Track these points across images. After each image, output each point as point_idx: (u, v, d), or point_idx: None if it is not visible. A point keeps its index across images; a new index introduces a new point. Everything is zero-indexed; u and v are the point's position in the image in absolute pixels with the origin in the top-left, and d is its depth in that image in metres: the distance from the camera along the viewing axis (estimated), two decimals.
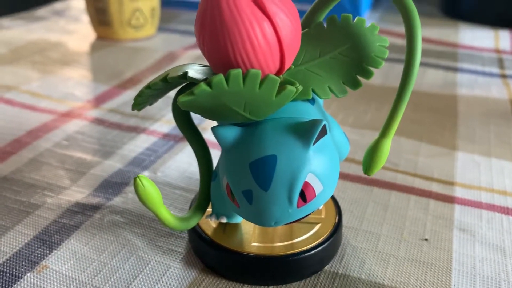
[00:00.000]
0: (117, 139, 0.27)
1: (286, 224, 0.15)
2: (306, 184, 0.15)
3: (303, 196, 0.15)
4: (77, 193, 0.22)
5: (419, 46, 0.15)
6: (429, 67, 0.39)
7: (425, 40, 0.45)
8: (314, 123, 0.15)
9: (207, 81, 0.14)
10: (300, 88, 0.15)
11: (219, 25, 0.14)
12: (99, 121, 0.29)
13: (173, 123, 0.28)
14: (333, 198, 0.20)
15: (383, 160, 0.16)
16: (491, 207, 0.22)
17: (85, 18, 0.50)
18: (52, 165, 0.24)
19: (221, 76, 0.13)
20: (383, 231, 0.20)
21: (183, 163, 0.24)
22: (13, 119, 0.29)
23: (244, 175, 0.15)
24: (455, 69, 0.38)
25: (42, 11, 0.53)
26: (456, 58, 0.41)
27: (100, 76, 0.35)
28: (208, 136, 0.23)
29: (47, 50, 0.41)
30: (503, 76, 0.37)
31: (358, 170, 0.24)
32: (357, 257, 0.18)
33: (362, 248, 0.19)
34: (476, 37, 0.46)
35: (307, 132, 0.15)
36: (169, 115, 0.29)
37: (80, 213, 0.21)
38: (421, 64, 0.39)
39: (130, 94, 0.32)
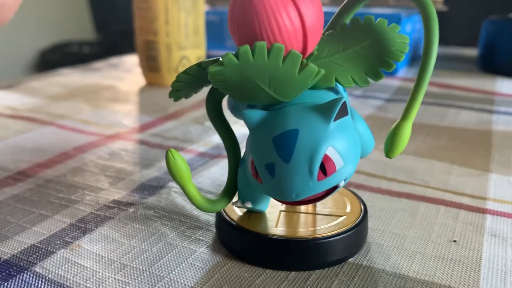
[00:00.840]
0: (157, 155, 0.28)
1: (306, 200, 0.16)
2: (326, 157, 0.15)
3: (323, 169, 0.15)
4: (115, 193, 0.23)
5: (436, 29, 0.16)
6: (463, 109, 0.39)
7: (461, 88, 0.46)
8: (335, 100, 0.16)
9: (235, 52, 0.15)
10: (323, 71, 0.16)
11: (248, 7, 0.15)
12: (142, 142, 0.30)
13: (210, 145, 0.30)
14: (358, 197, 0.20)
15: (404, 143, 0.17)
16: None
17: (137, 70, 0.54)
18: (94, 172, 0.26)
19: (247, 47, 0.15)
20: (410, 233, 0.20)
21: (216, 174, 0.25)
22: (63, 138, 0.31)
23: (268, 149, 0.16)
24: (491, 111, 0.38)
25: (98, 64, 0.57)
26: (492, 103, 0.41)
27: (146, 110, 0.38)
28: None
29: (101, 91, 0.44)
30: None
31: (388, 185, 0.24)
32: (382, 253, 0.18)
33: (388, 246, 0.19)
34: None
35: (328, 108, 0.16)
36: (207, 139, 0.31)
37: (116, 208, 0.22)
38: (455, 106, 0.40)
39: (172, 124, 0.34)
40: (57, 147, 0.29)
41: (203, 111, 0.37)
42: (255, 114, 0.17)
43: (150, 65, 0.46)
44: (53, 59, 1.69)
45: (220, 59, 0.15)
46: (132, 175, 0.25)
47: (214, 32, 0.56)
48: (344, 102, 0.16)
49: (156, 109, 0.38)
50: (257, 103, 0.17)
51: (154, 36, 0.45)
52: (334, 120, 0.16)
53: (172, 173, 0.17)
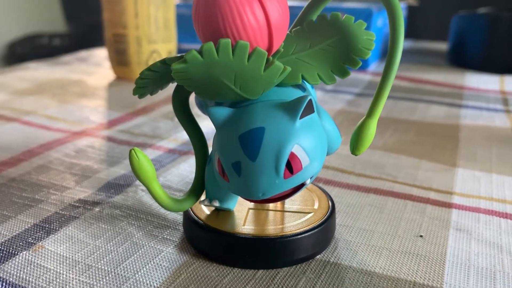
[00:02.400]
0: (124, 152, 0.28)
1: (273, 198, 0.16)
2: (293, 155, 0.15)
3: (289, 167, 0.15)
4: (81, 192, 0.23)
5: (402, 28, 0.16)
6: (432, 103, 0.39)
7: (430, 82, 0.46)
8: (301, 98, 0.15)
9: (199, 49, 0.15)
10: (289, 69, 0.16)
11: (211, 3, 0.15)
12: (109, 139, 0.30)
13: (179, 141, 0.29)
14: (326, 193, 0.20)
15: (369, 140, 0.17)
16: (489, 212, 0.21)
17: (106, 64, 0.53)
18: (59, 170, 0.25)
19: (211, 44, 0.15)
20: (377, 228, 0.20)
21: (185, 171, 0.25)
22: (28, 136, 0.30)
23: (234, 147, 0.15)
24: (460, 105, 0.39)
25: (66, 58, 0.56)
26: (461, 97, 0.42)
27: (115, 106, 0.37)
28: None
29: (68, 85, 0.43)
30: (508, 112, 0.37)
31: (356, 180, 0.24)
32: (349, 249, 0.18)
33: (355, 242, 0.19)
34: (482, 81, 0.47)
35: (294, 106, 0.15)
36: (176, 135, 0.30)
37: (81, 207, 0.21)
38: (425, 101, 0.40)
39: (141, 120, 0.34)
40: (22, 145, 0.28)
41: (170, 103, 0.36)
42: (221, 112, 0.16)
43: (119, 59, 0.45)
44: (23, 51, 1.65)
45: (185, 57, 0.15)
46: (99, 173, 0.25)
47: (185, 26, 0.55)
48: (310, 100, 0.15)
49: (124, 105, 0.37)
50: (223, 101, 0.17)
51: (123, 29, 0.44)
52: (300, 118, 0.15)
53: (136, 172, 0.16)
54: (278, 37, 0.16)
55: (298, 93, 0.17)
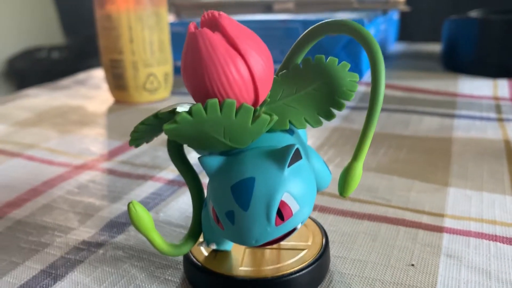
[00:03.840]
0: (125, 186, 0.28)
1: (267, 243, 0.17)
2: (283, 203, 0.16)
3: (280, 215, 0.16)
4: (84, 233, 0.23)
5: (382, 73, 0.17)
6: (425, 115, 0.40)
7: (423, 91, 0.47)
8: (288, 147, 0.16)
9: (188, 110, 0.15)
10: (275, 117, 0.17)
11: (198, 62, 0.16)
12: (110, 171, 0.31)
13: (177, 171, 0.30)
14: (320, 227, 0.21)
15: (356, 182, 0.17)
16: (479, 235, 0.22)
17: (105, 86, 0.53)
18: (63, 209, 0.26)
19: (200, 106, 0.15)
20: (370, 259, 0.21)
21: (184, 204, 0.26)
22: (32, 172, 0.31)
23: (226, 197, 0.16)
24: (453, 116, 0.40)
25: (65, 81, 0.57)
26: (454, 106, 0.42)
27: (114, 134, 0.38)
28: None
29: (68, 114, 0.44)
30: (500, 120, 0.38)
31: (350, 206, 0.25)
32: (344, 282, 0.19)
33: (349, 274, 0.20)
34: (475, 87, 0.48)
35: (281, 155, 0.16)
36: None
37: (86, 250, 0.22)
38: (418, 112, 0.41)
39: (141, 148, 0.34)
40: (26, 182, 0.29)
41: None
42: (213, 161, 0.17)
43: (117, 83, 0.46)
44: (22, 66, 1.66)
45: (175, 118, 0.15)
46: (101, 211, 0.25)
47: (180, 43, 0.56)
48: (297, 149, 0.16)
49: (124, 132, 0.38)
50: (214, 151, 0.18)
51: (119, 55, 0.45)
52: (288, 166, 0.16)
53: (135, 224, 0.17)
54: (263, 88, 0.17)
55: (286, 138, 0.18)
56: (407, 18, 0.79)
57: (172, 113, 0.17)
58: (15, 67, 1.67)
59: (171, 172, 0.30)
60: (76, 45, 1.77)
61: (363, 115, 0.40)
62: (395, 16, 0.71)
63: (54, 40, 1.81)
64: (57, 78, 0.63)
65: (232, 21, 0.16)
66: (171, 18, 0.60)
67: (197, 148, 0.18)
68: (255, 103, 0.17)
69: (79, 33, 1.76)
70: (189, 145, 0.17)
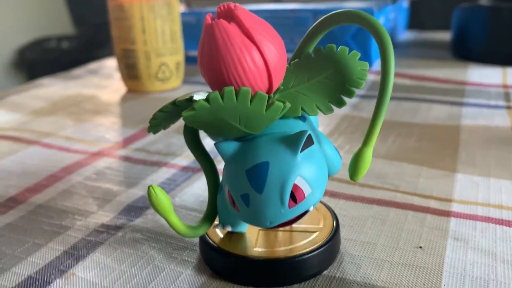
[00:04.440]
0: (141, 172, 0.29)
1: (280, 224, 0.17)
2: (296, 186, 0.17)
3: (293, 198, 0.17)
4: (103, 217, 0.24)
5: (392, 61, 0.17)
6: (434, 103, 0.41)
7: (433, 79, 0.47)
8: (300, 133, 0.17)
9: (205, 98, 0.16)
10: (289, 105, 0.17)
11: (214, 52, 0.16)
12: (126, 158, 0.32)
13: (192, 158, 0.31)
14: (331, 211, 0.22)
15: (366, 167, 0.18)
16: (486, 219, 0.23)
17: (117, 75, 0.54)
18: (82, 195, 0.27)
19: (217, 93, 0.16)
20: (379, 241, 0.21)
21: (199, 189, 0.27)
22: (50, 159, 0.32)
23: (242, 180, 0.17)
24: (461, 104, 0.40)
25: (78, 71, 0.58)
26: (463, 94, 0.43)
27: (129, 122, 0.39)
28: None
29: (82, 103, 0.45)
30: (509, 108, 0.38)
31: (360, 191, 0.26)
32: (353, 263, 0.20)
33: (359, 255, 0.20)
34: (485, 75, 0.48)
35: (294, 141, 0.17)
36: (188, 151, 0.32)
37: (105, 232, 0.23)
38: (427, 100, 0.41)
39: (155, 136, 0.35)
40: (45, 169, 0.30)
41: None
42: (229, 147, 0.18)
43: (130, 73, 0.47)
44: (32, 56, 1.68)
45: (193, 106, 0.16)
46: (118, 196, 0.26)
47: (191, 33, 0.57)
48: (309, 135, 0.17)
49: (138, 120, 0.39)
50: (230, 137, 0.18)
51: (131, 45, 0.45)
52: (301, 151, 0.17)
53: (154, 207, 0.18)
54: (277, 77, 0.17)
55: (298, 124, 0.19)
56: (416, 6, 0.79)
57: (189, 100, 0.18)
58: (25, 57, 1.68)
59: (185, 158, 0.31)
60: (85, 34, 1.78)
61: (372, 103, 0.40)
62: (404, 4, 0.71)
63: (64, 30, 1.82)
64: (66, 67, 0.64)
65: (247, 12, 0.17)
66: (181, 8, 0.61)
67: (213, 134, 0.18)
68: (269, 91, 0.17)
69: (88, 23, 1.77)
70: (205, 131, 0.18)
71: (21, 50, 1.68)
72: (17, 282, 0.20)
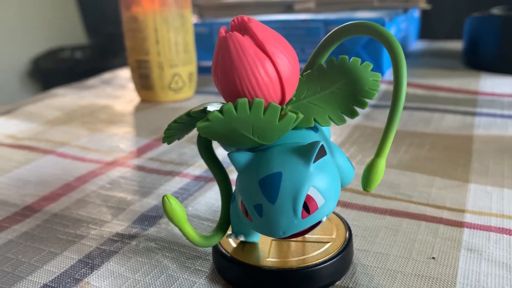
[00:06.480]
0: (154, 182, 0.30)
1: (293, 235, 0.17)
2: (309, 197, 0.17)
3: (306, 208, 0.17)
4: (117, 226, 0.25)
5: (404, 72, 0.17)
6: (447, 113, 0.40)
7: (445, 89, 0.47)
8: (313, 144, 0.17)
9: (219, 109, 0.16)
10: (301, 115, 0.18)
11: (228, 64, 0.17)
12: (139, 168, 0.32)
13: (204, 167, 0.31)
14: (344, 221, 0.22)
15: (379, 177, 0.18)
16: (500, 230, 0.23)
17: (131, 85, 0.55)
18: (96, 204, 0.27)
19: (230, 105, 0.16)
20: (392, 252, 0.21)
21: (211, 199, 0.27)
22: (65, 168, 0.32)
23: (255, 191, 0.17)
24: (474, 114, 0.40)
25: (92, 81, 0.59)
26: (476, 104, 0.42)
27: (142, 132, 0.39)
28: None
29: (96, 112, 0.46)
30: None
31: (372, 202, 0.26)
32: (366, 274, 0.20)
33: (372, 266, 0.20)
34: (497, 85, 0.48)
35: (307, 151, 0.17)
36: (201, 161, 0.32)
37: (119, 241, 0.23)
38: (439, 110, 0.41)
39: (168, 146, 0.36)
40: (60, 178, 0.31)
41: (196, 130, 0.38)
42: (242, 157, 0.18)
43: (143, 83, 0.47)
44: (46, 66, 1.70)
45: (207, 116, 0.16)
46: (132, 205, 0.27)
47: (203, 44, 0.57)
48: (322, 145, 0.17)
49: (151, 130, 0.39)
50: (243, 147, 0.19)
51: (145, 56, 0.46)
52: (314, 162, 0.17)
53: (169, 216, 0.18)
54: (290, 88, 0.18)
55: (311, 134, 0.19)
56: (428, 16, 0.79)
57: (203, 112, 0.18)
58: (40, 67, 1.71)
59: (198, 168, 0.31)
60: (98, 45, 1.80)
61: (384, 113, 0.41)
62: (416, 14, 0.71)
63: (77, 40, 1.84)
64: (80, 77, 0.65)
65: (261, 25, 0.17)
66: (194, 19, 0.61)
67: (226, 145, 0.19)
68: (281, 102, 0.18)
69: (101, 33, 1.79)
70: (219, 142, 0.18)
71: (35, 60, 1.71)
72: None
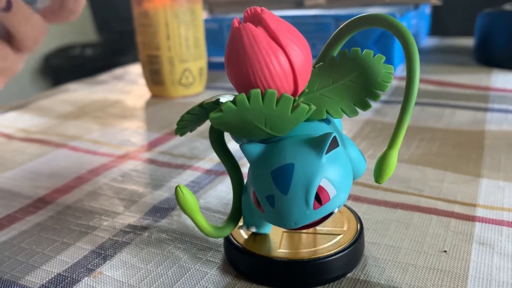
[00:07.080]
0: (166, 175, 0.30)
1: (305, 226, 0.18)
2: (321, 188, 0.17)
3: (318, 199, 0.17)
4: (129, 217, 0.25)
5: (417, 63, 0.17)
6: (458, 108, 0.40)
7: (456, 85, 0.47)
8: (326, 135, 0.17)
9: (232, 100, 0.17)
10: (313, 107, 0.18)
11: (241, 55, 0.17)
12: (151, 161, 0.32)
13: (215, 161, 0.31)
14: (355, 214, 0.22)
15: (392, 169, 0.18)
16: None
17: (141, 81, 0.55)
18: (108, 196, 0.27)
19: (243, 95, 0.16)
20: (403, 245, 0.21)
21: (222, 192, 0.27)
22: (77, 161, 0.33)
23: (267, 182, 0.17)
24: (485, 109, 0.40)
25: (103, 77, 0.59)
26: (487, 100, 0.42)
27: (153, 126, 0.40)
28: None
29: (108, 107, 0.46)
30: None
31: (383, 196, 0.26)
32: (377, 266, 0.20)
33: (383, 259, 0.20)
34: (508, 81, 0.47)
35: (320, 143, 0.17)
36: (212, 155, 0.32)
37: (131, 232, 0.23)
38: (450, 106, 0.41)
39: (179, 140, 0.36)
40: (72, 171, 0.31)
41: (207, 124, 0.39)
42: (254, 148, 0.18)
43: (154, 79, 0.48)
44: (57, 63, 1.72)
45: (220, 107, 0.17)
46: (144, 197, 0.27)
47: (214, 39, 0.57)
48: (334, 137, 0.17)
49: (162, 124, 0.40)
50: (255, 139, 0.19)
51: (156, 51, 0.46)
52: (326, 153, 0.17)
53: (181, 206, 0.18)
54: (303, 79, 0.18)
55: (323, 126, 0.19)
56: (439, 12, 0.78)
57: (216, 103, 0.18)
58: (51, 64, 1.73)
59: (208, 162, 0.31)
60: (108, 42, 1.81)
61: (395, 108, 0.40)
62: (427, 10, 0.70)
63: (87, 37, 1.85)
64: (90, 74, 0.65)
65: (274, 16, 0.17)
66: (205, 14, 0.62)
67: (239, 136, 0.19)
68: (294, 93, 0.18)
69: (111, 31, 1.80)
70: (231, 133, 0.19)
71: (46, 57, 1.72)
72: (47, 280, 0.20)
